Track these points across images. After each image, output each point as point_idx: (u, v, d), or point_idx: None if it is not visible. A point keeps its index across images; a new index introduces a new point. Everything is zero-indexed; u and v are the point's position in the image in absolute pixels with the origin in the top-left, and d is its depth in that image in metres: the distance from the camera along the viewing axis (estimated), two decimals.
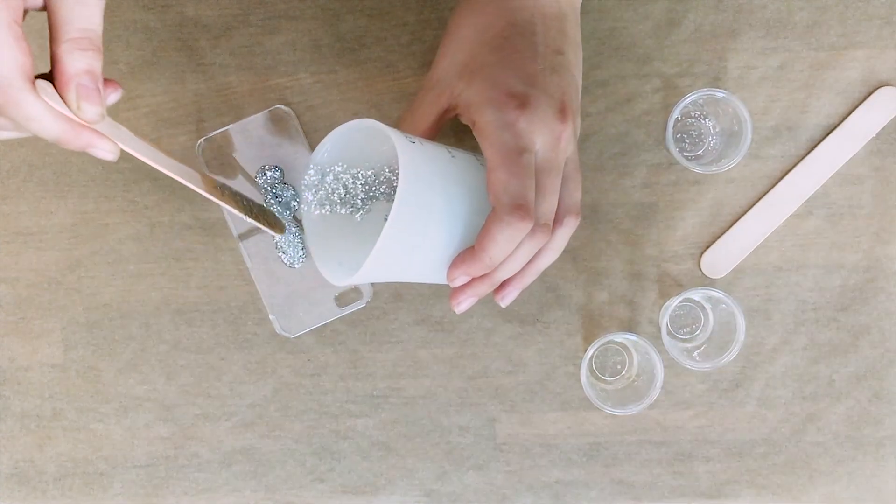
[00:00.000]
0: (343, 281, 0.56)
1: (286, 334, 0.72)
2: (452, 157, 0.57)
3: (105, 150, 0.50)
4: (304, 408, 0.73)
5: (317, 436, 0.73)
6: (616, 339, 0.72)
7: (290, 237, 0.71)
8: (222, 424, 0.73)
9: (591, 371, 0.74)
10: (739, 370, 0.73)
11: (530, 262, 0.57)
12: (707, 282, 0.73)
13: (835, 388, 0.73)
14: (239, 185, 0.72)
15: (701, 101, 0.70)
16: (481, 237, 0.54)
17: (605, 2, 0.72)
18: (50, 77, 0.48)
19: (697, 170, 0.70)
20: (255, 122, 0.72)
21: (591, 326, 0.73)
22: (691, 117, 0.73)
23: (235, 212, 0.57)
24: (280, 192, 0.71)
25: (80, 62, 0.47)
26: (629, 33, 0.72)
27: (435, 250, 0.55)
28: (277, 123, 0.72)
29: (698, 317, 0.74)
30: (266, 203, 0.71)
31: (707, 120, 0.73)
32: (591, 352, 0.69)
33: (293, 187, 0.72)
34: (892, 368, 0.72)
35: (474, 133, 0.56)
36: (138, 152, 0.51)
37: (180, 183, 0.73)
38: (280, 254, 0.72)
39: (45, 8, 0.47)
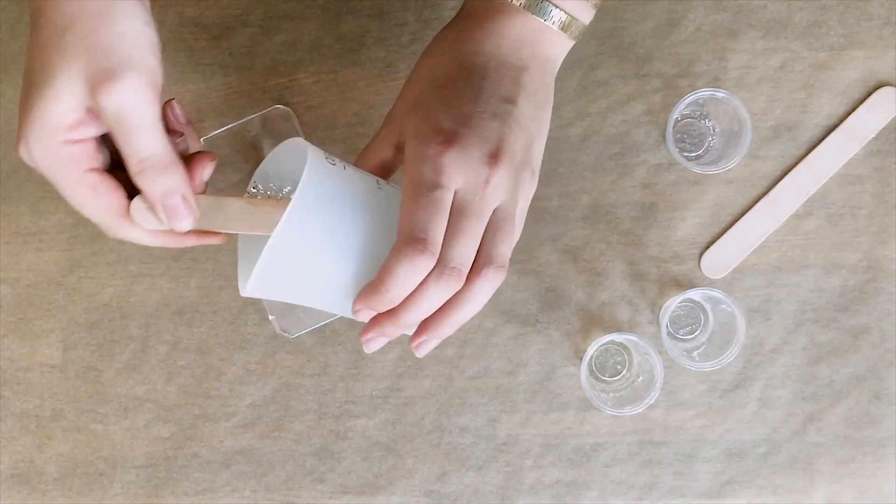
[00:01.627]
0: (244, 293, 0.54)
1: (286, 334, 0.72)
2: (379, 188, 0.55)
3: (212, 242, 0.53)
4: (304, 408, 0.73)
5: (317, 436, 0.73)
6: (616, 339, 0.72)
7: None
8: (222, 424, 0.73)
9: (591, 371, 0.74)
10: (739, 370, 0.73)
11: (445, 310, 0.54)
12: (707, 282, 0.73)
13: (835, 388, 0.73)
14: (237, 186, 0.72)
15: (701, 101, 0.70)
16: (381, 269, 0.52)
17: (605, 2, 0.72)
18: None
19: (697, 170, 0.70)
20: (255, 122, 0.72)
21: (591, 326, 0.73)
22: (691, 117, 0.73)
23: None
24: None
25: (154, 189, 0.49)
26: (629, 33, 0.72)
27: (339, 276, 0.53)
28: (277, 123, 0.72)
29: (698, 317, 0.74)
30: None
31: (707, 120, 0.73)
32: (591, 352, 0.69)
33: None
34: (892, 369, 0.72)
35: None
36: (245, 229, 0.52)
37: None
38: None
39: None
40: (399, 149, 0.58)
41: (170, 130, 0.52)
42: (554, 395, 0.73)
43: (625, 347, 0.74)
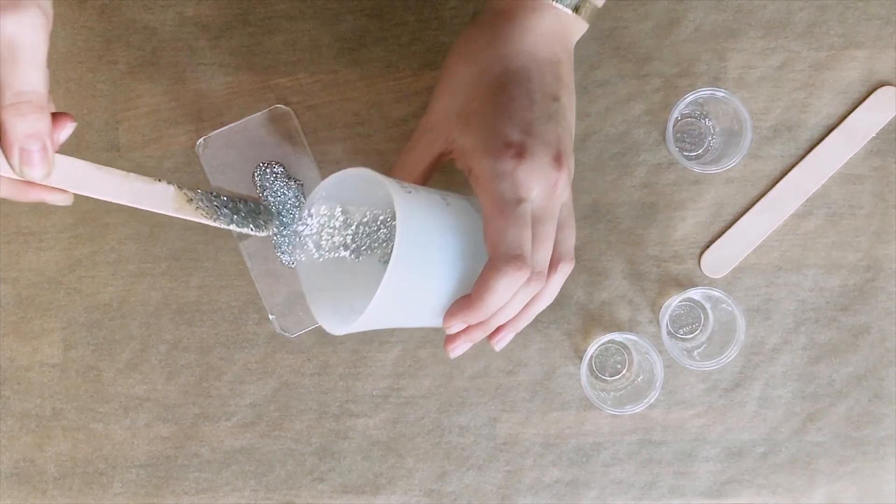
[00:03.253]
0: (342, 330, 0.55)
1: (286, 334, 0.72)
2: (447, 204, 0.57)
3: (57, 201, 0.51)
4: (305, 408, 0.73)
5: (317, 436, 0.73)
6: (616, 339, 0.72)
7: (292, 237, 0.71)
8: (222, 424, 0.73)
9: (591, 371, 0.74)
10: (739, 370, 0.73)
11: (524, 307, 0.58)
12: (707, 282, 0.73)
13: (835, 388, 0.73)
14: (237, 186, 0.72)
15: (701, 101, 0.70)
16: (478, 287, 0.54)
17: (605, 2, 0.72)
18: None
19: (697, 170, 0.70)
20: (255, 122, 0.72)
21: (591, 326, 0.73)
22: (691, 117, 0.73)
23: (210, 223, 0.56)
24: (281, 190, 0.71)
25: (20, 127, 0.47)
26: (629, 33, 0.72)
27: (431, 297, 0.55)
28: (277, 123, 0.72)
29: (698, 317, 0.74)
30: (262, 199, 0.71)
31: (707, 120, 0.73)
32: (591, 352, 0.69)
33: (300, 182, 0.72)
34: (892, 368, 0.72)
35: (470, 180, 0.56)
36: (95, 192, 0.51)
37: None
38: (280, 254, 0.72)
39: None
40: (443, 156, 0.58)
41: None
42: (554, 394, 0.73)
43: (625, 347, 0.74)
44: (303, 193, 0.72)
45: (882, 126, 0.72)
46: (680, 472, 0.73)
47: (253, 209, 0.59)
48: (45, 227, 0.73)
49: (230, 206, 0.58)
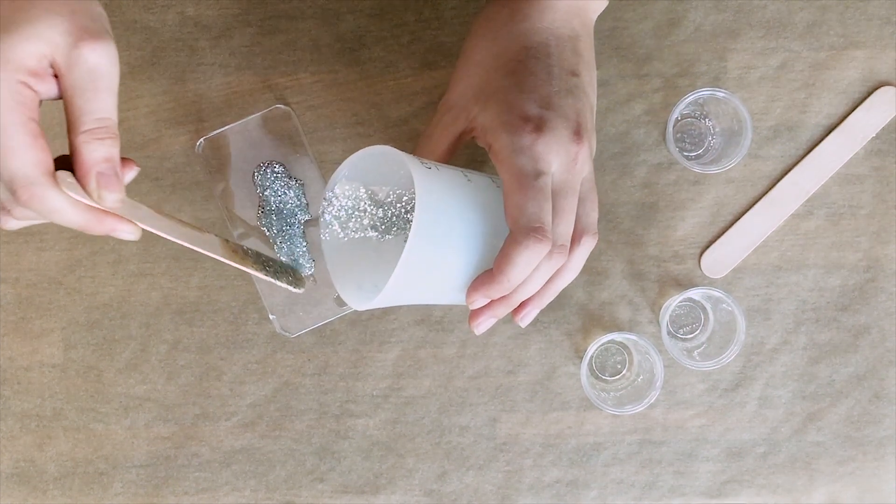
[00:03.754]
0: (365, 305, 0.56)
1: (286, 334, 0.72)
2: (468, 180, 0.57)
3: (127, 233, 0.52)
4: (305, 408, 0.73)
5: (317, 436, 0.73)
6: (616, 339, 0.72)
7: (297, 241, 0.71)
8: (222, 424, 0.73)
9: (591, 371, 0.74)
10: (739, 370, 0.73)
11: (548, 282, 0.58)
12: (707, 282, 0.73)
13: (835, 388, 0.73)
14: (237, 186, 0.72)
15: (701, 101, 0.70)
16: (499, 260, 0.54)
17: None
18: (67, 163, 0.49)
19: (697, 170, 0.70)
20: (255, 122, 0.72)
21: (591, 326, 0.73)
22: (691, 117, 0.73)
23: (256, 273, 0.58)
24: (282, 190, 0.71)
25: (98, 151, 0.49)
26: (629, 33, 0.72)
27: (453, 273, 0.56)
28: (277, 123, 0.72)
29: (698, 317, 0.74)
30: (262, 199, 0.72)
31: (707, 120, 0.73)
32: (591, 352, 0.69)
33: (300, 182, 0.72)
34: (892, 368, 0.72)
35: (490, 156, 0.56)
36: (158, 229, 0.53)
37: (180, 187, 0.73)
38: (280, 255, 0.72)
39: (61, 97, 0.49)
40: (464, 134, 0.59)
41: None
42: (554, 394, 0.73)
43: (625, 347, 0.74)
44: (303, 193, 0.72)
45: (882, 126, 0.72)
46: (680, 472, 0.73)
47: (286, 268, 0.61)
48: (45, 227, 0.73)
49: (273, 261, 0.60)
